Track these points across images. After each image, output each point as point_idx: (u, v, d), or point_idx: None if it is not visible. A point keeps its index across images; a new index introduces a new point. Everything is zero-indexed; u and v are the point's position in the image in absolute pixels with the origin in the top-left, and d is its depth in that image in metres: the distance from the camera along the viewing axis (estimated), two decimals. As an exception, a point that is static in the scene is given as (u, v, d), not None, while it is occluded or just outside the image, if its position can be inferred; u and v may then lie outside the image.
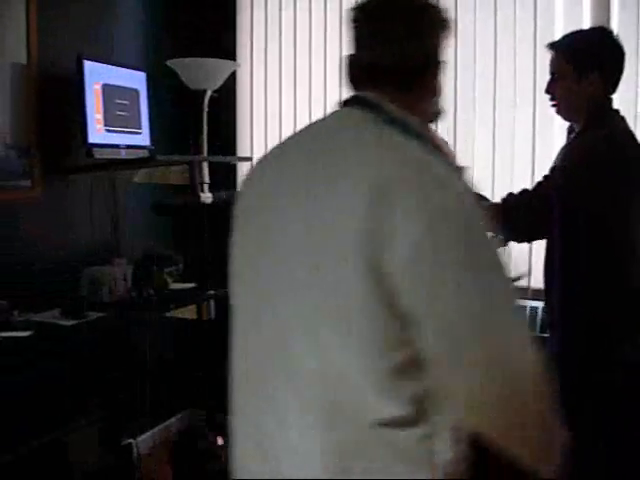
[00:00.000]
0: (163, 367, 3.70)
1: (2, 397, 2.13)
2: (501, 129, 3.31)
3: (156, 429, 3.66)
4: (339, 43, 3.55)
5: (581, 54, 2.06)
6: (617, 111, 2.13)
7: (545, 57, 2.23)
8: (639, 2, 3.05)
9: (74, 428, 2.45)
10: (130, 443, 2.76)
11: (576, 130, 2.13)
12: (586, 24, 3.14)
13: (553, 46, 2.14)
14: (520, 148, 3.28)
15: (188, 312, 3.01)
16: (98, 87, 2.95)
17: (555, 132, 3.06)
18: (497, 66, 3.29)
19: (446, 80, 1.24)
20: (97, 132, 2.94)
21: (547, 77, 2.19)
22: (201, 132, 3.39)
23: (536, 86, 3.19)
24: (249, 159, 3.50)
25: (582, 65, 2.04)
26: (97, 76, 2.95)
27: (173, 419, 3.84)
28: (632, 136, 2.10)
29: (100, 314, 2.59)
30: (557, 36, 3.14)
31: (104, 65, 3.00)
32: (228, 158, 3.67)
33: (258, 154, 3.69)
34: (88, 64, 2.89)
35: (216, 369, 3.49)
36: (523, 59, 3.24)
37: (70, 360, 2.42)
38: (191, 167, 2.89)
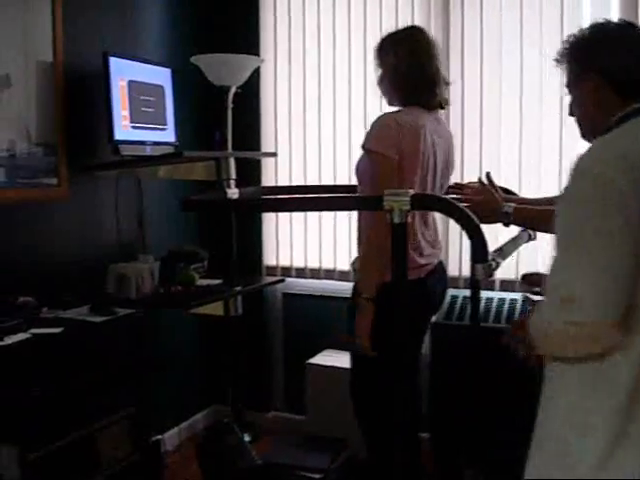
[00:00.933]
0: (189, 363, 3.72)
1: (34, 393, 2.13)
2: (528, 131, 3.28)
3: (182, 425, 3.67)
4: (363, 39, 3.54)
5: None
6: None
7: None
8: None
9: (104, 425, 2.44)
10: (158, 440, 2.76)
11: None
12: (615, 16, 3.11)
13: None
14: (547, 151, 3.25)
15: (215, 308, 3.00)
16: (124, 83, 2.95)
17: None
18: (523, 60, 3.26)
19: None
20: (123, 129, 2.94)
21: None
22: (225, 128, 3.37)
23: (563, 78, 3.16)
24: (274, 154, 3.49)
25: None
26: (123, 72, 2.95)
27: (199, 415, 3.85)
28: None
29: (128, 311, 2.58)
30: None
31: (129, 61, 3.01)
32: (254, 154, 3.66)
33: (282, 150, 3.69)
34: (114, 60, 2.89)
35: (243, 366, 3.54)
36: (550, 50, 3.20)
37: (100, 356, 2.42)
38: (217, 163, 2.88)
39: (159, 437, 2.80)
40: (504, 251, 2.52)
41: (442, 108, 2.58)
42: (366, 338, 2.31)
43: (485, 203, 2.24)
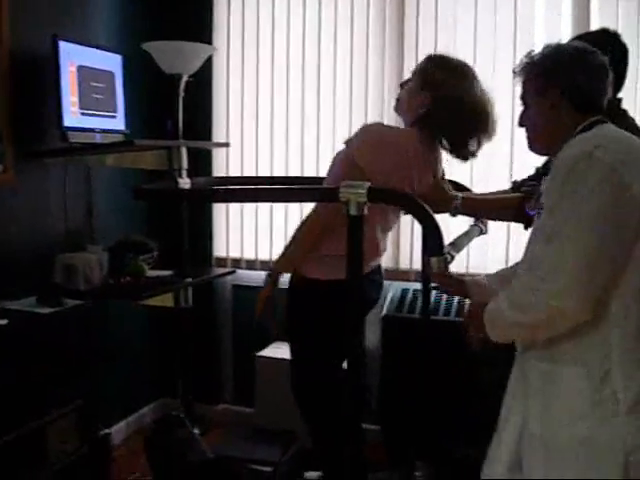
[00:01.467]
0: (137, 355, 3.66)
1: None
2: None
3: (130, 418, 3.62)
4: (317, 29, 3.53)
5: None
6: (625, 111, 2.16)
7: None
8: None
9: (52, 418, 2.38)
10: (108, 434, 2.71)
11: None
12: (566, 23, 3.18)
13: None
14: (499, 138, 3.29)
15: (165, 300, 2.96)
16: (73, 69, 2.87)
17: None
18: (476, 56, 3.30)
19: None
20: (72, 115, 2.86)
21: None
22: (176, 117, 3.33)
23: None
24: (227, 145, 3.45)
25: None
26: (72, 57, 2.87)
27: (146, 408, 3.80)
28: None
29: (77, 302, 2.53)
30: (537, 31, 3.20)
31: (79, 46, 2.92)
32: (206, 144, 3.62)
33: (234, 140, 3.65)
34: (63, 45, 2.81)
35: (192, 358, 3.50)
36: (503, 49, 3.25)
37: (48, 349, 2.35)
38: (169, 152, 2.84)
39: (108, 431, 2.74)
40: (457, 245, 2.55)
41: (465, 159, 2.42)
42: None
43: (434, 192, 2.28)
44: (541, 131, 1.77)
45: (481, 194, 2.57)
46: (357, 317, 2.65)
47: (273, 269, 2.38)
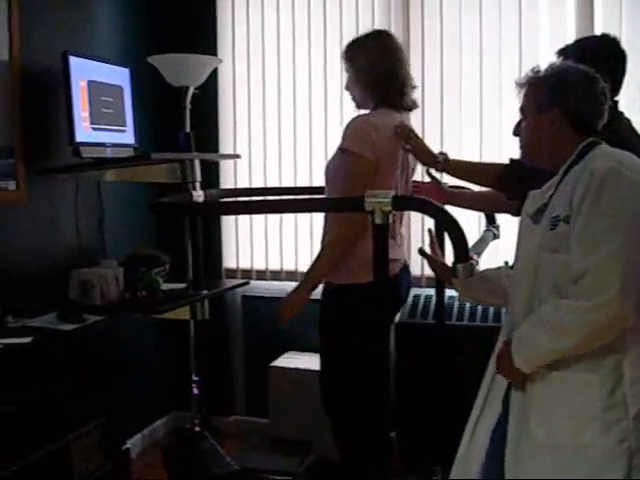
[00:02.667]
0: (149, 369, 3.64)
1: (7, 405, 2.05)
2: (488, 132, 3.35)
3: (145, 432, 3.60)
4: (323, 39, 3.54)
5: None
6: (622, 113, 2.19)
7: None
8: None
9: (76, 436, 2.37)
10: (128, 448, 2.69)
11: None
12: (570, 22, 3.20)
13: None
14: (507, 140, 3.31)
15: (181, 313, 2.94)
16: (84, 84, 2.87)
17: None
18: (482, 61, 3.32)
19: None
20: (84, 130, 2.86)
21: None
22: (184, 129, 3.32)
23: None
24: (238, 156, 3.45)
25: None
26: (82, 72, 2.86)
27: (159, 422, 3.78)
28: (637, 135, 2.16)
29: (96, 317, 2.51)
30: (542, 35, 3.23)
31: (89, 61, 2.92)
32: (218, 156, 3.62)
33: (241, 151, 3.65)
34: (74, 60, 2.81)
35: (211, 371, 3.49)
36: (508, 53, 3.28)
37: (72, 365, 2.34)
38: (182, 165, 2.83)
39: (128, 445, 2.73)
40: (476, 250, 2.58)
41: (410, 110, 2.61)
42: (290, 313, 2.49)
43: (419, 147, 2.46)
44: (537, 145, 1.85)
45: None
46: (388, 318, 2.71)
47: (309, 284, 2.46)
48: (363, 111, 2.53)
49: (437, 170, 2.49)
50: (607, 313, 1.58)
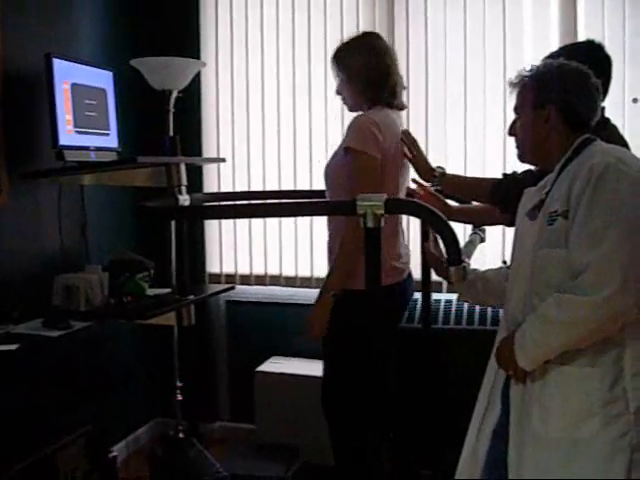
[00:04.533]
0: (131, 376, 3.59)
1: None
2: (472, 131, 3.36)
3: (129, 439, 3.55)
4: (307, 42, 3.53)
5: None
6: (608, 119, 2.21)
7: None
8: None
9: (63, 444, 2.33)
10: (115, 456, 2.66)
11: None
12: (554, 20, 3.23)
13: None
14: (491, 141, 3.34)
15: (167, 318, 2.91)
16: (67, 86, 2.83)
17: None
18: (467, 62, 3.34)
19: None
20: (67, 133, 2.82)
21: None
22: (167, 133, 3.30)
23: (505, 82, 3.26)
24: (222, 160, 3.43)
25: None
26: (66, 75, 2.82)
27: (142, 429, 3.73)
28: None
29: (83, 324, 2.47)
30: (526, 33, 3.25)
31: (72, 64, 2.88)
32: (204, 159, 3.60)
33: (225, 155, 3.63)
34: (57, 62, 2.76)
35: (195, 377, 3.45)
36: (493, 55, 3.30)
37: (60, 372, 2.31)
38: (168, 169, 2.80)
39: (115, 453, 2.69)
40: (467, 253, 2.59)
41: (401, 109, 2.62)
42: (321, 328, 2.42)
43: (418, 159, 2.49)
44: (532, 143, 1.87)
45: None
46: (391, 323, 2.71)
47: (330, 289, 2.42)
48: (355, 114, 2.52)
49: (433, 184, 2.50)
50: (610, 306, 1.60)
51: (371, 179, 2.32)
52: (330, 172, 2.50)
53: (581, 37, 3.15)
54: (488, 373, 1.96)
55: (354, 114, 2.52)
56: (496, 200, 2.38)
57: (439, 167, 2.51)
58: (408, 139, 2.49)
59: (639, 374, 1.66)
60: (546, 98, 1.80)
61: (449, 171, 2.58)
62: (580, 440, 1.68)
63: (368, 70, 2.46)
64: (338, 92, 2.58)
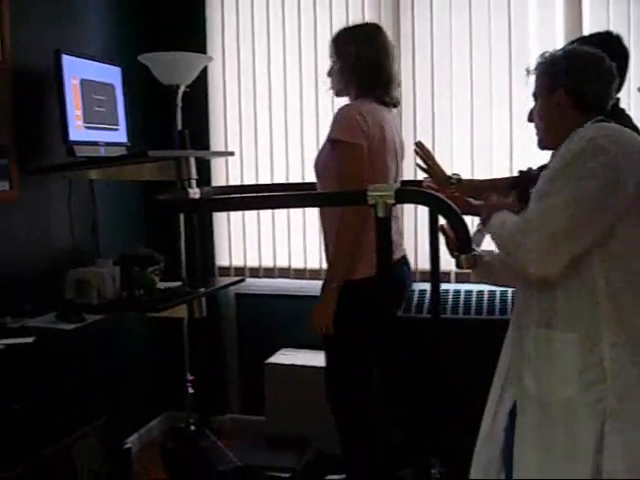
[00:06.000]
0: (142, 369, 3.63)
1: (11, 405, 2.04)
2: (479, 127, 3.37)
3: (141, 431, 3.58)
4: (313, 35, 3.55)
5: None
6: (623, 110, 2.24)
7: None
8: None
9: (79, 436, 2.36)
10: (129, 448, 2.68)
11: None
12: (559, 21, 3.24)
13: None
14: (498, 138, 3.34)
15: (178, 311, 2.93)
16: (76, 82, 2.85)
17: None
18: (472, 58, 3.35)
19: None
20: (77, 129, 2.84)
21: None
22: (175, 127, 3.32)
23: (511, 78, 3.28)
24: (231, 154, 3.45)
25: None
26: (75, 71, 2.84)
27: (154, 422, 3.76)
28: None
29: (96, 317, 2.50)
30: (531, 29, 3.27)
31: (81, 60, 2.90)
32: (213, 153, 3.62)
33: (232, 148, 3.65)
34: (66, 58, 2.78)
35: (206, 369, 3.47)
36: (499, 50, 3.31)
37: (75, 364, 2.33)
38: (178, 163, 2.82)
39: (129, 445, 2.72)
40: (475, 242, 2.60)
41: (394, 107, 2.63)
42: (329, 322, 2.43)
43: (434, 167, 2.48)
44: (547, 127, 1.90)
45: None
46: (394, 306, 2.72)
47: (334, 282, 2.44)
48: (340, 100, 2.56)
49: (450, 191, 2.47)
50: (523, 260, 1.74)
51: (358, 167, 2.36)
52: (320, 164, 2.53)
53: (586, 33, 3.16)
54: (503, 357, 1.99)
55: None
56: (515, 197, 2.39)
57: (455, 174, 2.51)
58: (422, 151, 2.48)
59: (617, 344, 1.70)
60: (556, 82, 1.84)
61: (456, 170, 2.60)
62: (563, 401, 1.74)
63: (359, 60, 2.47)
64: (329, 74, 2.60)
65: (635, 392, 1.69)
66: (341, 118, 2.43)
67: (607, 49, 2.13)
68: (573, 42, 2.26)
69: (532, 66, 1.94)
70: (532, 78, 1.95)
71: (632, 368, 1.70)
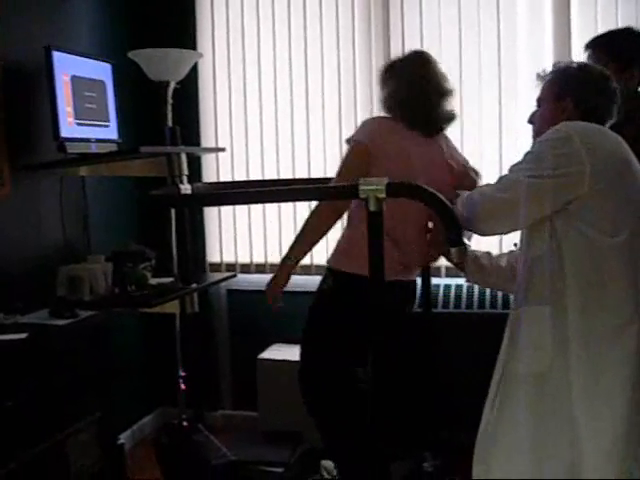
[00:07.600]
0: (135, 364, 3.63)
1: (4, 401, 2.04)
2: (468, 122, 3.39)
3: (134, 427, 3.59)
4: (303, 31, 3.56)
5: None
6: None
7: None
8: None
9: (73, 431, 2.36)
10: (122, 443, 2.69)
11: None
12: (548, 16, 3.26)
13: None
14: (487, 134, 3.36)
15: (170, 306, 2.94)
16: (67, 79, 2.85)
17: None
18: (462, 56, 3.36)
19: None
20: (68, 125, 2.84)
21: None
22: (165, 124, 3.32)
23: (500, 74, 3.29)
24: (222, 150, 3.45)
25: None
26: (65, 67, 2.84)
27: (146, 418, 3.77)
28: None
29: (88, 313, 2.50)
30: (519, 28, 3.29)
31: (72, 56, 2.90)
32: (204, 149, 3.62)
33: (223, 145, 3.65)
34: (57, 55, 2.78)
35: (198, 365, 3.48)
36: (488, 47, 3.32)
37: (68, 360, 2.34)
38: (169, 159, 2.83)
39: (123, 441, 2.73)
40: (466, 235, 2.62)
41: (438, 133, 2.53)
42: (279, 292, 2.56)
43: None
44: (547, 129, 1.96)
45: None
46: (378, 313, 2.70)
47: (290, 257, 2.52)
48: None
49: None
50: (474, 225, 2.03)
51: (355, 162, 2.36)
52: None
53: (575, 29, 3.20)
54: (503, 349, 2.01)
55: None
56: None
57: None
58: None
59: (586, 316, 1.79)
60: (566, 91, 1.97)
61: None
62: (529, 375, 1.83)
63: (396, 96, 2.44)
64: (382, 103, 2.54)
65: (602, 359, 1.78)
66: (363, 123, 2.49)
67: (630, 43, 2.26)
68: (596, 38, 2.39)
69: (542, 72, 2.07)
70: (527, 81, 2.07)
71: (596, 337, 1.79)
